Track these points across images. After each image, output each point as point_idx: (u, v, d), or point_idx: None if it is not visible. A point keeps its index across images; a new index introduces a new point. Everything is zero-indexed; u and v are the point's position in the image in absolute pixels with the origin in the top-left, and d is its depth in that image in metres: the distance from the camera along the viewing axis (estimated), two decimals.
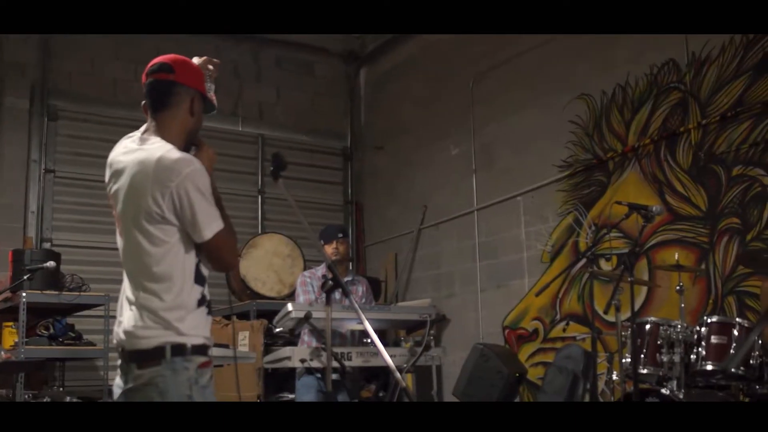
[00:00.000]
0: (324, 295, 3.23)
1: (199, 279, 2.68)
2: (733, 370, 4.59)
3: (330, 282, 2.92)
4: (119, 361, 2.69)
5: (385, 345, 6.97)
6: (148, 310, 2.59)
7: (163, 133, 2.71)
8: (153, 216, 2.58)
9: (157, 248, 2.60)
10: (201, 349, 2.64)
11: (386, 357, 2.57)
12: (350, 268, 9.46)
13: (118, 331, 2.67)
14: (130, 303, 2.65)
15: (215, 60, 3.01)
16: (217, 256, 2.68)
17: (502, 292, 7.85)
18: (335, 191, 10.27)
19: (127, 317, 2.64)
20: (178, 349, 2.58)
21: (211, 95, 2.86)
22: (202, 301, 2.68)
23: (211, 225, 2.61)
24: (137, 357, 2.60)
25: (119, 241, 2.74)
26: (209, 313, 2.73)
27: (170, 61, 2.75)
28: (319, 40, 10.03)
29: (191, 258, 2.65)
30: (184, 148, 2.76)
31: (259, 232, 9.08)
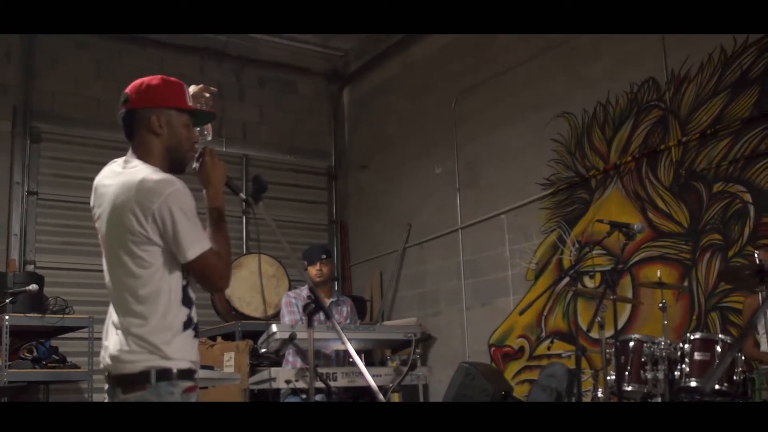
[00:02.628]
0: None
1: (186, 301, 2.66)
2: (716, 388, 4.61)
3: (312, 305, 2.92)
4: (106, 386, 2.68)
5: (371, 365, 7.01)
6: (133, 334, 2.57)
7: (143, 157, 2.71)
8: (137, 238, 2.57)
9: (142, 270, 2.59)
10: (187, 374, 2.62)
11: (368, 378, 2.57)
12: (335, 288, 9.46)
13: (105, 356, 2.65)
14: (116, 327, 2.63)
15: (212, 88, 3.00)
16: (205, 278, 2.65)
17: (487, 310, 7.86)
18: (320, 211, 10.27)
19: (113, 341, 2.63)
20: (164, 374, 2.56)
21: (193, 105, 2.82)
22: (188, 324, 2.65)
23: (194, 245, 2.58)
24: (122, 381, 2.58)
25: (104, 266, 2.73)
26: (196, 336, 2.71)
27: (128, 90, 2.77)
28: (301, 60, 10.07)
29: (177, 279, 2.64)
30: (180, 163, 2.77)
31: (243, 252, 9.06)
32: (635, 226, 4.73)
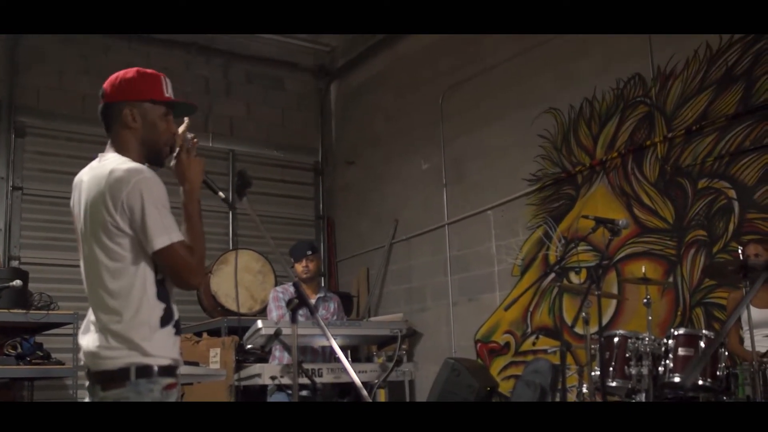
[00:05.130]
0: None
1: (162, 296, 2.61)
2: (699, 382, 4.63)
3: (295, 300, 2.91)
4: (87, 382, 2.66)
5: (358, 360, 7.01)
6: (111, 330, 2.54)
7: (119, 150, 2.69)
8: (108, 229, 2.54)
9: (114, 263, 2.56)
10: (167, 371, 2.59)
11: (352, 374, 2.56)
12: (322, 284, 9.46)
13: (84, 353, 2.63)
14: (94, 323, 2.61)
15: (193, 137, 2.90)
16: (173, 270, 2.59)
17: (473, 306, 7.87)
18: (306, 206, 10.26)
19: (91, 338, 2.60)
20: (143, 371, 2.52)
21: (168, 96, 2.76)
22: (167, 319, 2.61)
23: (161, 235, 2.52)
24: (101, 378, 2.56)
25: (81, 261, 2.70)
26: (178, 333, 2.67)
27: (104, 85, 2.75)
28: (289, 55, 10.05)
29: (150, 272, 2.59)
30: (158, 156, 2.73)
31: (230, 248, 9.04)
32: (620, 222, 4.73)
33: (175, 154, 2.75)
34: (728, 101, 5.86)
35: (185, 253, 2.57)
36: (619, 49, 6.58)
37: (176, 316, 2.68)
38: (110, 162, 2.62)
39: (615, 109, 6.68)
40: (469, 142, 8.12)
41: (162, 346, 2.58)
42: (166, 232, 2.53)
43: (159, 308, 2.60)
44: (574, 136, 7.01)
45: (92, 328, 2.62)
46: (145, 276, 2.57)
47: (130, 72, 2.74)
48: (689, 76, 6.14)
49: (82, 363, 2.68)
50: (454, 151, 8.31)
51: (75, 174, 2.79)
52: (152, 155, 2.74)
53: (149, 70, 2.77)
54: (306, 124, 10.42)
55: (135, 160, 2.65)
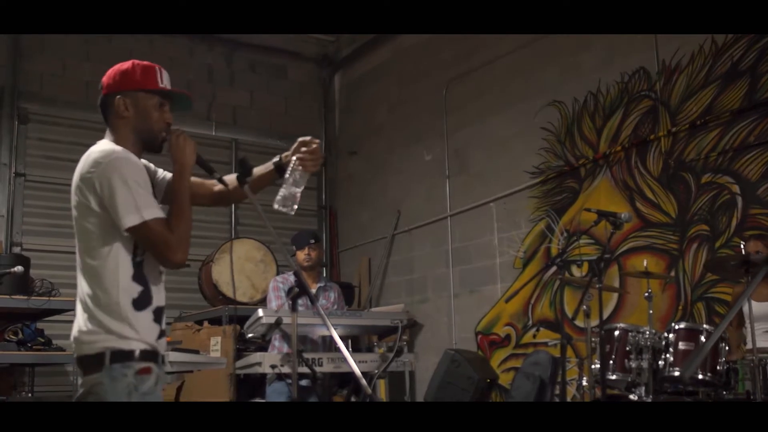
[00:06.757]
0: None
1: (139, 277, 2.60)
2: (698, 376, 4.63)
3: (296, 289, 2.91)
4: None
5: (358, 351, 7.01)
6: (89, 314, 2.56)
7: (113, 138, 2.73)
8: (82, 209, 2.58)
9: (87, 243, 2.59)
10: (144, 355, 2.57)
11: (352, 363, 2.56)
12: (323, 273, 9.47)
13: (72, 338, 2.65)
14: (78, 307, 2.63)
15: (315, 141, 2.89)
16: (150, 247, 2.58)
17: (475, 298, 7.87)
18: (309, 196, 10.24)
19: (75, 323, 2.61)
20: (118, 356, 2.52)
21: (163, 86, 2.77)
22: (143, 303, 2.59)
23: (131, 213, 2.52)
24: (82, 363, 2.57)
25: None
26: (157, 320, 2.65)
27: (102, 78, 2.79)
28: (292, 44, 10.03)
29: (125, 253, 2.58)
30: (153, 144, 2.75)
31: (232, 236, 9.05)
32: (622, 216, 4.72)
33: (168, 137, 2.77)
34: (733, 96, 5.84)
35: (162, 229, 2.56)
36: (624, 43, 6.56)
37: (158, 302, 2.66)
38: (93, 147, 2.67)
39: (619, 102, 6.66)
40: (472, 134, 8.10)
41: (137, 330, 2.56)
42: (136, 210, 2.53)
43: (133, 290, 2.59)
44: (578, 129, 7.00)
45: (77, 312, 2.63)
46: (118, 256, 2.58)
47: (125, 64, 2.78)
48: (694, 70, 6.13)
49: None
50: (457, 143, 8.29)
51: (77, 161, 2.81)
52: (147, 143, 2.76)
53: (145, 62, 2.79)
54: (309, 113, 10.40)
55: (129, 148, 2.68)
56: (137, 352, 2.55)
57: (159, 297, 2.67)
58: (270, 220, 2.80)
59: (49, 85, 8.55)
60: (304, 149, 2.86)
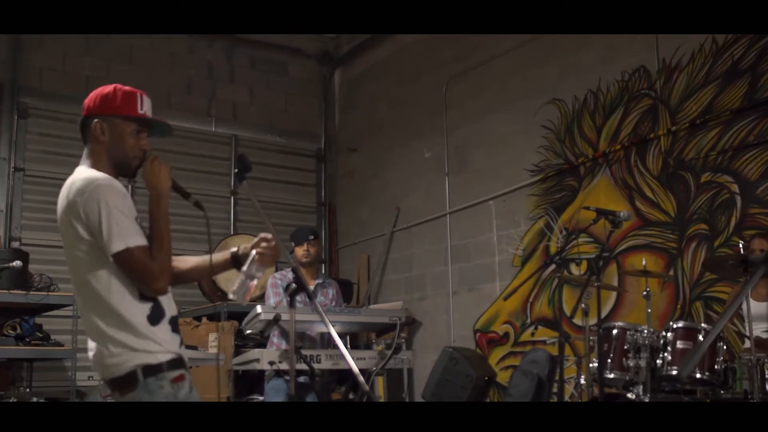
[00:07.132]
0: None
1: (146, 296, 2.64)
2: (696, 375, 4.63)
3: (293, 285, 2.91)
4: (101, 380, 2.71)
5: (357, 348, 7.00)
6: (107, 336, 2.58)
7: (91, 163, 2.74)
8: (75, 238, 2.60)
9: (87, 270, 2.61)
10: (173, 364, 2.62)
11: (350, 360, 2.56)
12: (322, 270, 9.46)
13: (92, 363, 2.67)
14: (91, 333, 2.65)
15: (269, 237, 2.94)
16: (132, 274, 2.60)
17: (473, 296, 7.87)
18: (308, 193, 10.25)
19: (93, 348, 2.65)
20: (149, 370, 2.57)
21: (143, 113, 2.78)
22: (157, 317, 2.64)
23: (117, 240, 2.55)
24: (115, 385, 2.61)
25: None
26: (175, 330, 2.70)
27: (85, 100, 2.80)
28: (293, 41, 10.01)
29: (123, 276, 2.61)
30: (126, 169, 2.76)
31: (232, 233, 9.04)
32: (621, 214, 4.72)
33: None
34: (733, 95, 5.84)
35: (144, 257, 2.59)
36: (625, 42, 6.55)
37: (171, 312, 2.71)
38: (74, 174, 2.69)
39: (619, 101, 6.66)
40: (472, 132, 8.10)
41: (160, 343, 2.62)
42: (121, 237, 2.56)
43: (144, 307, 2.63)
44: (578, 127, 7.00)
45: (91, 339, 2.66)
46: (120, 278, 2.60)
47: (107, 88, 2.80)
48: (694, 69, 6.12)
49: (89, 356, 2.70)
50: (457, 140, 8.29)
51: (77, 156, 2.87)
52: (120, 168, 2.77)
53: (127, 88, 2.81)
54: (309, 110, 10.40)
55: (105, 171, 2.70)
56: (165, 364, 2.60)
57: (170, 307, 2.72)
58: (269, 216, 2.82)
59: (49, 80, 8.54)
60: (264, 244, 2.90)
